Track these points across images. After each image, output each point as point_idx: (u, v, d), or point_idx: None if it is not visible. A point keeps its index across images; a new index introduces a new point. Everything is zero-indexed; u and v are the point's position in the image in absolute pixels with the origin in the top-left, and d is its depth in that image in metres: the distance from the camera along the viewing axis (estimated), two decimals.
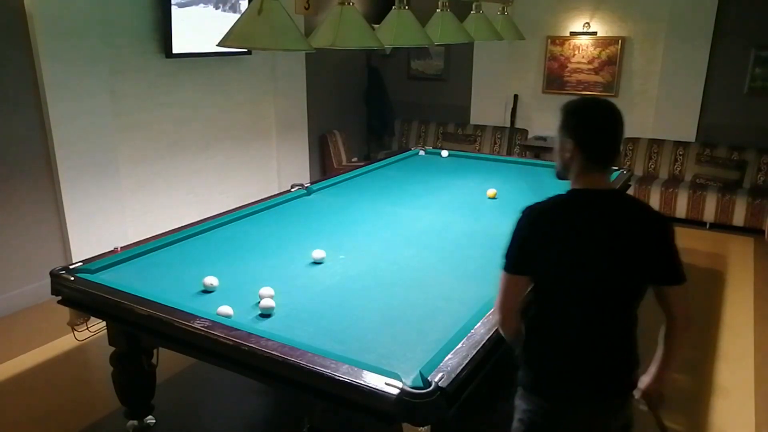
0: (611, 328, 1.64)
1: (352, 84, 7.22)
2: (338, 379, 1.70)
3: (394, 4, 3.00)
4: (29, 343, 3.53)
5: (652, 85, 6.05)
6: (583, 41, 6.34)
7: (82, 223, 4.14)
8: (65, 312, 2.43)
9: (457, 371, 1.73)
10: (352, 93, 7.26)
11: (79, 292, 2.33)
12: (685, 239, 4.98)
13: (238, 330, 1.94)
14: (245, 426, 2.89)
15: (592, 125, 1.58)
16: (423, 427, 1.61)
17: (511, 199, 3.65)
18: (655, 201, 5.71)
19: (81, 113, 4.03)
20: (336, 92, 6.96)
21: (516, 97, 6.86)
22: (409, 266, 2.62)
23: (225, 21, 4.66)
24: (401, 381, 1.65)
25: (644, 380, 1.73)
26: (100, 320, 2.40)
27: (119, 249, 2.68)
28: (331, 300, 2.29)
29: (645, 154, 6.11)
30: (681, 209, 5.67)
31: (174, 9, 4.40)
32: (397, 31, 2.96)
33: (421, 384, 1.65)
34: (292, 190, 3.66)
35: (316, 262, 2.62)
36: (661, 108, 6.01)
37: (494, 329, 1.96)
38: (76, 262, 2.51)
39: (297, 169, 6.04)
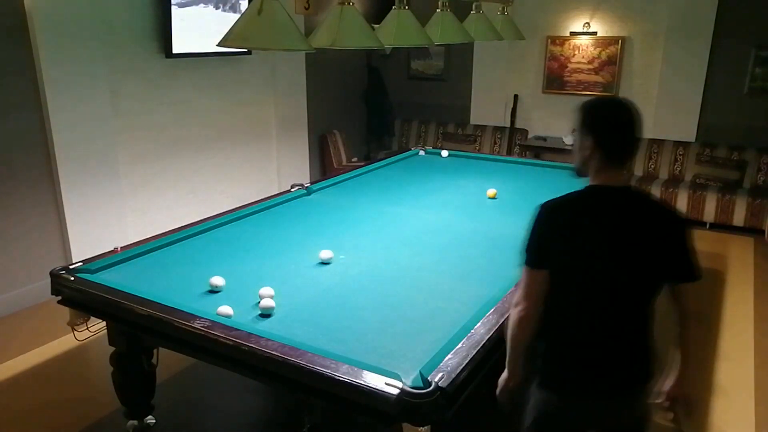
0: (626, 322, 1.65)
1: (352, 84, 7.22)
2: (338, 379, 1.70)
3: (394, 4, 3.00)
4: (29, 343, 3.53)
5: (652, 85, 6.05)
6: (583, 41, 6.34)
7: (82, 223, 4.14)
8: (65, 312, 2.43)
9: (457, 371, 1.73)
10: (352, 93, 7.26)
11: (79, 292, 2.33)
12: None
13: (238, 330, 1.94)
14: (245, 426, 2.89)
15: (611, 123, 1.60)
16: (423, 427, 1.61)
17: (511, 199, 3.65)
18: None
19: (81, 113, 4.03)
20: (336, 92, 6.95)
21: (516, 97, 6.86)
22: (409, 266, 2.62)
23: (225, 21, 4.66)
24: (401, 381, 1.65)
25: (666, 384, 1.72)
26: (100, 320, 2.40)
27: (119, 249, 2.68)
28: (331, 300, 2.29)
29: (645, 154, 6.11)
30: (681, 209, 5.67)
31: (174, 9, 4.40)
32: (397, 31, 2.96)
33: (421, 384, 1.65)
34: (292, 190, 3.66)
35: (324, 263, 2.62)
36: (661, 108, 6.01)
37: (494, 329, 1.97)
38: (76, 262, 2.51)
39: (297, 169, 6.05)
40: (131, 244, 2.76)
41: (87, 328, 2.41)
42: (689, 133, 5.98)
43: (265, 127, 5.70)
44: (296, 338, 1.91)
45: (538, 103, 6.78)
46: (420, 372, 1.70)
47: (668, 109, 5.99)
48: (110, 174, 4.28)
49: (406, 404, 1.60)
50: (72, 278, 2.36)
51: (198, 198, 5.08)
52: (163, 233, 2.90)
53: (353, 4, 2.62)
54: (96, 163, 4.17)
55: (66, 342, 3.47)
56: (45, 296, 2.95)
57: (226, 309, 2.11)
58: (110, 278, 2.41)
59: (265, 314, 2.15)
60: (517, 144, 6.81)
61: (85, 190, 4.13)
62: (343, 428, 2.62)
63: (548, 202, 1.66)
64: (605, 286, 1.61)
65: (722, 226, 5.55)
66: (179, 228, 2.98)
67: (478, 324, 2.00)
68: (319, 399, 1.87)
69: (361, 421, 1.87)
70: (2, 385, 3.17)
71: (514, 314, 1.70)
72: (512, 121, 6.89)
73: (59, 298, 2.43)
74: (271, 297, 2.20)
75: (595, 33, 6.27)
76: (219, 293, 2.33)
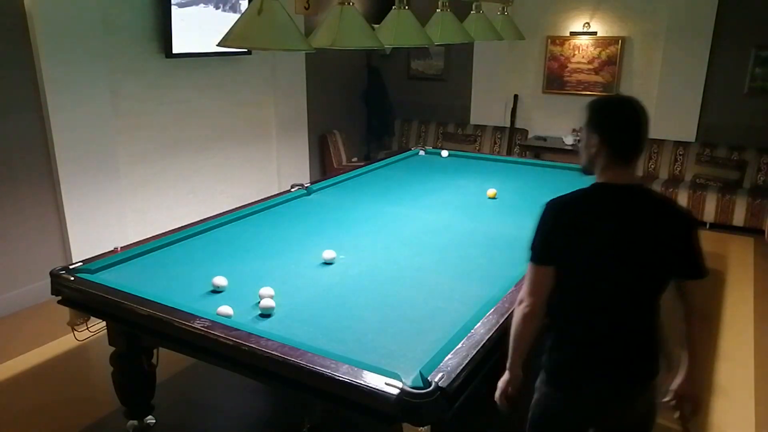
0: (632, 318, 1.66)
1: (352, 84, 7.22)
2: (338, 379, 1.70)
3: (394, 4, 3.00)
4: (29, 343, 3.53)
5: (652, 85, 6.05)
6: (583, 41, 6.34)
7: (82, 223, 4.14)
8: (65, 312, 2.43)
9: (457, 371, 1.73)
10: (352, 93, 7.26)
11: (79, 292, 2.33)
12: None
13: (238, 330, 1.94)
14: (245, 426, 2.89)
15: (617, 121, 1.61)
16: (423, 427, 1.61)
17: (511, 199, 3.65)
18: None
19: (81, 113, 4.03)
20: (336, 92, 6.96)
21: (516, 97, 6.86)
22: (409, 266, 2.62)
23: (225, 21, 4.66)
24: (401, 381, 1.65)
25: (674, 383, 1.73)
26: (100, 320, 2.40)
27: (119, 249, 2.68)
28: (331, 300, 2.29)
29: (645, 154, 6.11)
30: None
31: (174, 9, 4.40)
32: (397, 31, 2.96)
33: (421, 384, 1.65)
34: (292, 190, 3.66)
35: (327, 263, 2.62)
36: (661, 108, 6.01)
37: (494, 329, 1.97)
38: (76, 262, 2.51)
39: (297, 169, 6.05)
40: (131, 244, 2.76)
41: (87, 328, 2.41)
42: (689, 133, 5.98)
43: (265, 127, 5.70)
44: (296, 338, 1.91)
45: (538, 103, 6.78)
46: (420, 372, 1.70)
47: (668, 109, 5.99)
48: (110, 174, 4.28)
49: (406, 404, 1.60)
50: (72, 278, 2.36)
51: (198, 198, 5.08)
52: (163, 233, 2.90)
53: (353, 4, 2.62)
54: (96, 163, 4.17)
55: (66, 342, 3.47)
56: (45, 296, 2.95)
57: (226, 309, 2.11)
58: (110, 278, 2.41)
59: (265, 314, 2.15)
60: (517, 144, 6.81)
61: (85, 190, 4.13)
62: (343, 428, 2.62)
63: (554, 199, 1.67)
64: (611, 282, 1.62)
65: (722, 226, 5.55)
66: (179, 228, 2.98)
67: (478, 324, 1.99)
68: (319, 399, 1.87)
69: (361, 421, 1.87)
70: (2, 385, 3.17)
71: (518, 311, 1.71)
72: (512, 121, 6.89)
73: (59, 298, 2.43)
74: (271, 297, 2.20)
75: (595, 33, 6.27)
76: (220, 293, 2.32)
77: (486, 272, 2.54)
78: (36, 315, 3.86)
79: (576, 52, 6.41)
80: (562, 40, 6.45)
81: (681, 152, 5.98)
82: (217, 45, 2.17)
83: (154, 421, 2.69)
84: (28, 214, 3.95)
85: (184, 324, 2.01)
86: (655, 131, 6.07)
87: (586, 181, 1.69)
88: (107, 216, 4.28)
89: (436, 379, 1.66)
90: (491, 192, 3.67)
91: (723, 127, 5.89)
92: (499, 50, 6.69)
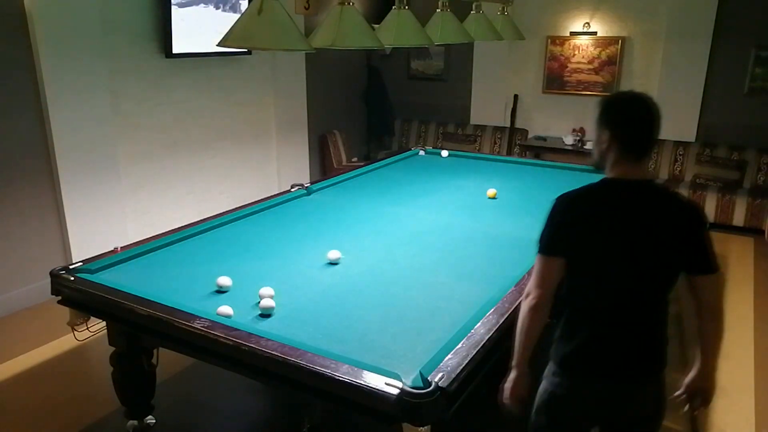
0: (640, 311, 1.67)
1: (352, 84, 7.22)
2: (338, 379, 1.70)
3: (394, 4, 3.00)
4: (29, 343, 3.53)
5: (652, 85, 6.04)
6: (583, 41, 6.34)
7: (82, 223, 4.14)
8: (65, 312, 2.43)
9: (457, 371, 1.73)
10: (352, 93, 7.26)
11: (79, 292, 2.33)
12: None
13: (238, 330, 1.94)
14: (245, 426, 2.89)
15: (626, 117, 1.64)
16: (423, 427, 1.61)
17: (511, 199, 3.65)
18: None
19: (81, 113, 4.03)
20: (336, 92, 6.95)
21: (516, 97, 6.86)
22: (409, 266, 2.62)
23: (225, 21, 4.66)
24: (401, 381, 1.65)
25: (688, 378, 1.75)
26: (100, 320, 2.40)
27: (119, 249, 2.68)
28: (331, 300, 2.29)
29: None
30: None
31: (174, 9, 4.40)
32: (397, 31, 2.96)
33: (421, 384, 1.65)
34: (292, 190, 3.66)
35: (332, 263, 2.61)
36: (661, 108, 5.97)
37: (494, 329, 1.97)
38: (76, 262, 2.51)
39: (297, 169, 6.05)
40: (131, 244, 2.76)
41: (87, 328, 2.41)
42: (689, 133, 5.98)
43: (265, 127, 5.70)
44: (296, 338, 1.91)
45: (538, 103, 6.78)
46: (420, 372, 1.70)
47: (668, 109, 5.86)
48: (110, 174, 4.28)
49: (406, 404, 1.60)
50: (72, 278, 2.36)
51: (198, 198, 5.08)
52: (163, 233, 2.90)
53: (353, 4, 2.62)
54: (96, 163, 4.17)
55: (66, 342, 3.47)
56: (45, 296, 2.95)
57: (226, 309, 2.11)
58: (110, 278, 2.41)
59: (265, 314, 2.15)
60: (517, 144, 6.81)
61: (85, 190, 4.13)
62: (343, 428, 2.62)
63: (564, 193, 1.70)
64: (618, 275, 1.64)
65: (722, 226, 5.55)
66: (179, 228, 2.98)
67: (478, 324, 1.99)
68: (319, 399, 1.87)
69: (361, 421, 1.87)
70: (2, 385, 3.17)
71: (525, 303, 1.72)
72: (512, 121, 6.89)
73: (59, 298, 2.43)
74: (271, 297, 2.20)
75: (595, 33, 6.27)
76: (224, 293, 2.32)
77: (486, 272, 2.54)
78: (36, 315, 3.86)
79: (576, 52, 6.41)
80: (562, 40, 6.45)
81: (681, 152, 5.99)
82: (217, 45, 2.17)
83: (154, 421, 2.69)
84: (28, 214, 3.95)
85: (184, 324, 2.01)
86: None
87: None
88: (107, 216, 4.28)
89: (436, 379, 1.66)
90: (491, 192, 3.67)
91: (723, 127, 5.89)
92: (499, 50, 6.69)
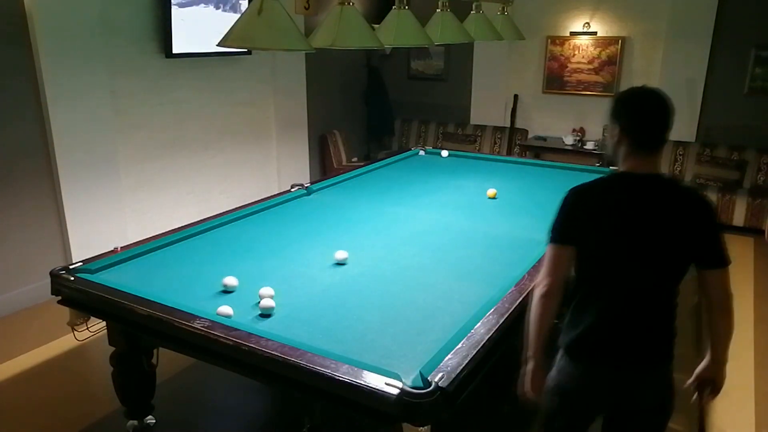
0: (647, 302, 1.70)
1: (352, 84, 7.22)
2: (338, 379, 1.70)
3: (394, 4, 3.00)
4: (29, 343, 3.53)
5: (652, 85, 6.03)
6: (583, 41, 6.34)
7: (82, 223, 4.14)
8: (65, 312, 2.43)
9: (457, 371, 1.73)
10: (352, 93, 7.26)
11: (79, 292, 2.33)
12: None
13: (238, 330, 1.94)
14: (245, 426, 2.89)
15: (636, 111, 1.67)
16: (423, 427, 1.61)
17: (511, 199, 3.65)
18: None
19: (81, 113, 4.03)
20: (336, 92, 6.96)
21: (516, 97, 6.87)
22: (409, 266, 2.62)
23: (225, 21, 4.66)
24: (401, 381, 1.65)
25: (699, 367, 1.79)
26: (100, 320, 2.40)
27: (119, 249, 2.67)
28: (331, 300, 2.29)
29: None
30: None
31: (174, 9, 4.40)
32: (397, 31, 2.95)
33: (421, 384, 1.65)
34: (292, 190, 3.66)
35: (340, 263, 2.61)
36: None
37: (494, 329, 1.97)
38: (76, 262, 2.51)
39: (297, 169, 6.05)
40: (131, 244, 2.76)
41: (87, 328, 2.41)
42: (689, 133, 5.98)
43: (265, 127, 5.70)
44: (296, 338, 1.91)
45: (538, 103, 6.78)
46: (420, 372, 1.70)
47: None
48: (110, 174, 4.28)
49: (406, 404, 1.60)
50: (72, 278, 2.36)
51: (198, 198, 5.09)
52: (163, 233, 2.90)
53: (353, 4, 2.62)
54: (96, 163, 4.17)
55: (66, 342, 3.47)
56: (45, 296, 2.95)
57: (226, 309, 2.11)
58: (110, 278, 2.41)
59: (265, 314, 2.15)
60: (517, 144, 6.81)
61: (85, 190, 4.13)
62: (343, 428, 2.62)
63: (576, 186, 1.73)
64: (625, 266, 1.66)
65: (722, 226, 5.53)
66: (179, 228, 2.98)
67: (478, 324, 1.99)
68: (319, 399, 1.87)
69: (361, 421, 1.87)
70: (2, 385, 3.17)
71: (536, 292, 1.75)
72: (512, 121, 6.89)
73: (59, 298, 2.42)
74: (271, 297, 2.20)
75: (595, 33, 6.27)
76: (226, 293, 2.32)
77: (486, 272, 2.54)
78: (36, 315, 3.86)
79: (576, 52, 6.41)
80: (562, 40, 6.45)
81: (681, 152, 5.99)
82: (217, 45, 2.17)
83: (154, 421, 2.69)
84: (28, 213, 3.95)
85: (184, 324, 2.01)
86: None
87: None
88: (107, 216, 4.28)
89: (436, 379, 1.66)
90: (491, 192, 3.67)
91: (723, 127, 5.89)
92: (499, 50, 6.69)
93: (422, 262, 2.66)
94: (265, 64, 5.51)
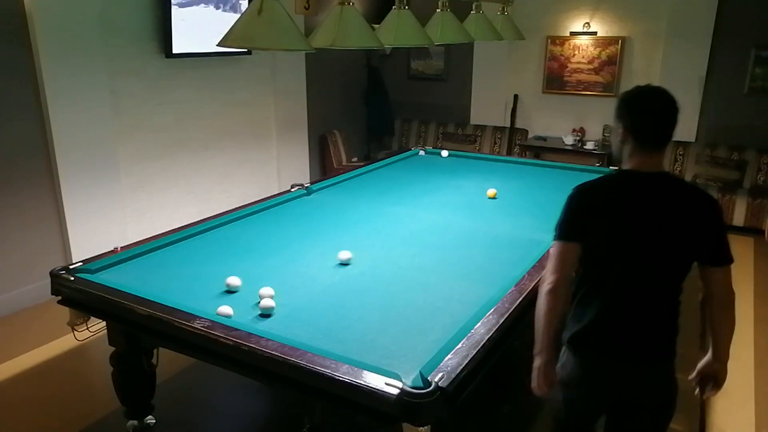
0: (649, 299, 1.71)
1: (352, 84, 7.22)
2: (338, 379, 1.70)
3: (394, 4, 3.00)
4: (29, 343, 3.53)
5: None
6: (583, 41, 6.34)
7: (82, 223, 4.14)
8: (65, 312, 2.43)
9: (457, 371, 1.73)
10: (352, 93, 7.26)
11: (79, 292, 2.33)
12: None
13: (238, 330, 1.94)
14: (245, 426, 2.89)
15: (639, 109, 1.69)
16: (423, 427, 1.61)
17: (511, 199, 3.65)
18: None
19: (81, 113, 4.03)
20: (336, 92, 6.96)
21: (516, 97, 6.87)
22: (409, 266, 2.62)
23: (225, 21, 4.66)
24: (401, 381, 1.65)
25: (702, 362, 1.81)
26: (100, 320, 2.40)
27: (119, 249, 2.67)
28: (331, 300, 2.29)
29: None
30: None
31: (174, 9, 4.40)
32: (397, 31, 2.95)
33: (421, 384, 1.65)
34: (292, 190, 3.66)
35: (343, 264, 2.61)
36: None
37: (494, 329, 1.97)
38: (76, 262, 2.50)
39: (297, 169, 6.05)
40: (131, 244, 2.76)
41: (87, 328, 2.41)
42: (689, 133, 5.98)
43: (265, 127, 5.70)
44: (296, 338, 1.91)
45: (538, 103, 6.78)
46: (420, 372, 1.70)
47: None
48: (110, 174, 4.28)
49: (406, 404, 1.60)
50: (72, 278, 2.36)
51: (198, 198, 5.08)
52: (163, 233, 2.89)
53: (353, 4, 2.62)
54: (96, 163, 4.17)
55: (66, 342, 3.47)
56: (45, 296, 2.95)
57: (226, 309, 2.11)
58: (110, 278, 2.41)
59: (265, 314, 2.15)
60: (517, 144, 6.81)
61: (85, 190, 4.13)
62: (343, 428, 2.62)
63: (581, 184, 1.76)
64: (629, 263, 1.68)
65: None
66: (179, 228, 2.97)
67: (478, 324, 1.99)
68: (319, 399, 1.86)
69: (361, 421, 1.87)
70: (3, 385, 3.17)
71: (543, 288, 1.77)
72: (512, 121, 6.90)
73: (59, 298, 2.42)
74: (271, 297, 2.20)
75: (595, 33, 6.27)
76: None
77: (486, 272, 2.54)
78: (36, 315, 3.86)
79: (576, 52, 6.41)
80: (562, 40, 6.45)
81: (681, 152, 5.99)
82: (217, 45, 2.17)
83: (154, 421, 2.69)
84: (28, 214, 3.95)
85: (184, 324, 2.01)
86: None
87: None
88: (107, 216, 4.28)
89: (436, 379, 1.66)
90: (491, 192, 3.67)
91: (723, 127, 5.89)
92: (499, 50, 6.69)
93: (422, 262, 2.66)
94: (265, 64, 5.51)
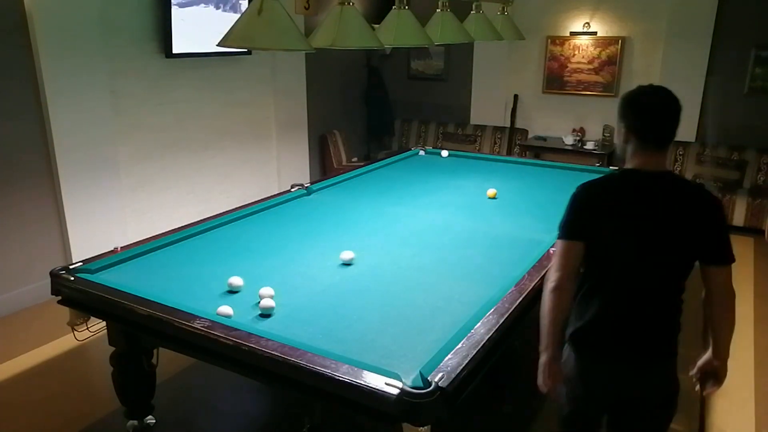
0: (651, 297, 1.72)
1: (352, 84, 7.22)
2: (338, 379, 1.70)
3: (394, 4, 3.00)
4: (29, 343, 3.53)
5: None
6: (583, 41, 6.34)
7: (82, 223, 4.14)
8: (65, 312, 2.43)
9: (457, 371, 1.73)
10: (352, 93, 7.26)
11: (79, 292, 2.33)
12: None
13: (238, 330, 1.94)
14: (245, 426, 2.89)
15: (641, 108, 1.70)
16: (423, 427, 1.61)
17: (511, 199, 3.65)
18: None
19: (81, 113, 4.03)
20: (336, 92, 6.96)
21: (516, 97, 6.87)
22: (409, 266, 2.62)
23: (225, 21, 4.66)
24: (401, 381, 1.65)
25: (702, 359, 1.82)
26: (100, 320, 2.40)
27: (119, 249, 2.67)
28: (331, 300, 2.29)
29: None
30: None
31: (174, 9, 4.40)
32: (397, 31, 2.95)
33: (421, 384, 1.65)
34: (292, 190, 3.66)
35: (346, 264, 2.61)
36: None
37: (494, 329, 1.97)
38: (76, 262, 2.51)
39: (297, 169, 6.05)
40: (131, 244, 2.76)
41: (87, 328, 2.41)
42: (689, 133, 5.98)
43: (265, 127, 5.70)
44: (296, 338, 1.91)
45: (538, 103, 6.78)
46: (420, 372, 1.70)
47: None
48: (110, 174, 4.28)
49: (406, 404, 1.60)
50: (72, 278, 2.36)
51: (198, 198, 5.09)
52: (163, 233, 2.89)
53: (353, 4, 2.62)
54: (96, 163, 4.17)
55: (66, 342, 3.47)
56: (45, 296, 2.95)
57: (226, 309, 2.11)
58: (110, 278, 2.41)
59: (265, 314, 2.15)
60: (517, 144, 6.81)
61: (85, 190, 4.13)
62: (343, 428, 2.62)
63: (585, 182, 1.78)
64: (630, 261, 1.69)
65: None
66: (179, 228, 2.97)
67: (478, 324, 1.99)
68: (319, 399, 1.86)
69: (361, 421, 1.87)
70: (3, 385, 3.17)
71: (548, 286, 1.78)
72: (512, 121, 6.90)
73: (59, 298, 2.43)
74: (271, 297, 2.20)
75: (595, 33, 6.27)
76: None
77: (486, 272, 2.54)
78: (36, 315, 3.86)
79: (576, 52, 6.41)
80: (562, 40, 6.45)
81: (681, 152, 5.99)
82: (217, 45, 2.17)
83: (154, 421, 2.69)
84: (28, 214, 3.95)
85: (184, 324, 2.01)
86: None
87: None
88: (107, 216, 4.28)
89: (436, 379, 1.66)
90: (491, 192, 3.67)
91: (723, 127, 5.89)
92: (499, 50, 6.69)
93: (422, 262, 2.66)
94: (265, 64, 5.51)
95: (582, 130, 6.45)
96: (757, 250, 5.14)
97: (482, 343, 1.89)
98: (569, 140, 6.35)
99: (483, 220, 3.24)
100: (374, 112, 7.41)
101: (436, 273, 2.55)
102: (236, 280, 2.34)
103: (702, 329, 1.78)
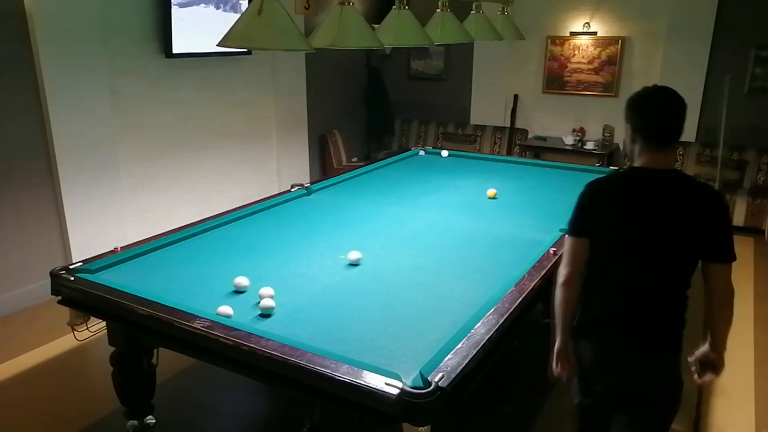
0: (654, 292, 1.75)
1: (352, 84, 7.22)
2: (338, 379, 1.70)
3: (394, 4, 3.00)
4: (29, 343, 3.53)
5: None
6: (583, 41, 6.34)
7: (82, 223, 4.14)
8: (65, 312, 2.43)
9: (457, 371, 1.73)
10: (352, 93, 7.26)
11: (79, 292, 2.33)
12: None
13: (238, 330, 1.94)
14: (245, 426, 2.89)
15: (645, 108, 1.74)
16: (423, 427, 1.61)
17: (511, 199, 3.65)
18: None
19: (81, 113, 4.03)
20: (336, 92, 6.96)
21: (516, 97, 6.87)
22: (409, 266, 2.62)
23: (225, 21, 4.66)
24: (401, 381, 1.65)
25: (700, 350, 1.84)
26: (100, 320, 2.40)
27: (119, 249, 2.68)
28: (331, 300, 2.29)
29: None
30: None
31: (174, 9, 4.40)
32: (397, 31, 2.95)
33: (421, 384, 1.65)
34: (292, 190, 3.66)
35: (353, 264, 2.61)
36: None
37: (494, 329, 1.97)
38: (76, 262, 2.51)
39: (297, 169, 6.05)
40: (131, 244, 2.76)
41: (87, 328, 2.41)
42: (689, 133, 5.98)
43: (265, 127, 5.70)
44: (296, 338, 1.91)
45: (538, 103, 6.78)
46: (420, 372, 1.70)
47: None
48: (110, 174, 4.28)
49: (406, 404, 1.60)
50: (72, 278, 2.36)
51: (198, 198, 5.09)
52: (163, 233, 2.90)
53: (353, 4, 2.62)
54: (96, 163, 4.17)
55: (66, 342, 3.47)
56: (45, 296, 2.95)
57: (226, 309, 2.11)
58: (110, 278, 2.41)
59: (265, 314, 2.15)
60: (517, 144, 6.81)
61: (85, 190, 4.13)
62: (343, 428, 2.62)
63: (592, 180, 1.83)
64: (635, 257, 1.73)
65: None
66: (179, 228, 2.98)
67: (478, 324, 1.99)
68: (319, 399, 1.86)
69: (361, 421, 1.87)
70: (2, 385, 3.17)
71: (559, 281, 1.84)
72: (512, 121, 6.90)
73: (59, 298, 2.43)
74: (271, 297, 2.20)
75: (595, 33, 6.27)
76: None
77: (486, 272, 2.54)
78: (36, 315, 3.86)
79: (576, 52, 6.41)
80: (562, 40, 6.45)
81: (681, 152, 5.99)
82: (217, 45, 2.17)
83: (154, 421, 2.69)
84: (28, 214, 3.95)
85: (184, 324, 2.01)
86: None
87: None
88: (107, 216, 4.28)
89: (436, 379, 1.66)
90: (491, 192, 3.67)
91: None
92: (499, 50, 6.69)
93: (422, 262, 2.66)
94: (265, 64, 5.51)
95: (582, 130, 6.45)
96: (757, 250, 5.14)
97: (482, 343, 1.89)
98: (569, 140, 6.35)
99: (483, 220, 3.24)
100: (374, 112, 7.41)
101: (436, 273, 2.55)
102: (242, 280, 2.34)
103: (703, 323, 1.80)
